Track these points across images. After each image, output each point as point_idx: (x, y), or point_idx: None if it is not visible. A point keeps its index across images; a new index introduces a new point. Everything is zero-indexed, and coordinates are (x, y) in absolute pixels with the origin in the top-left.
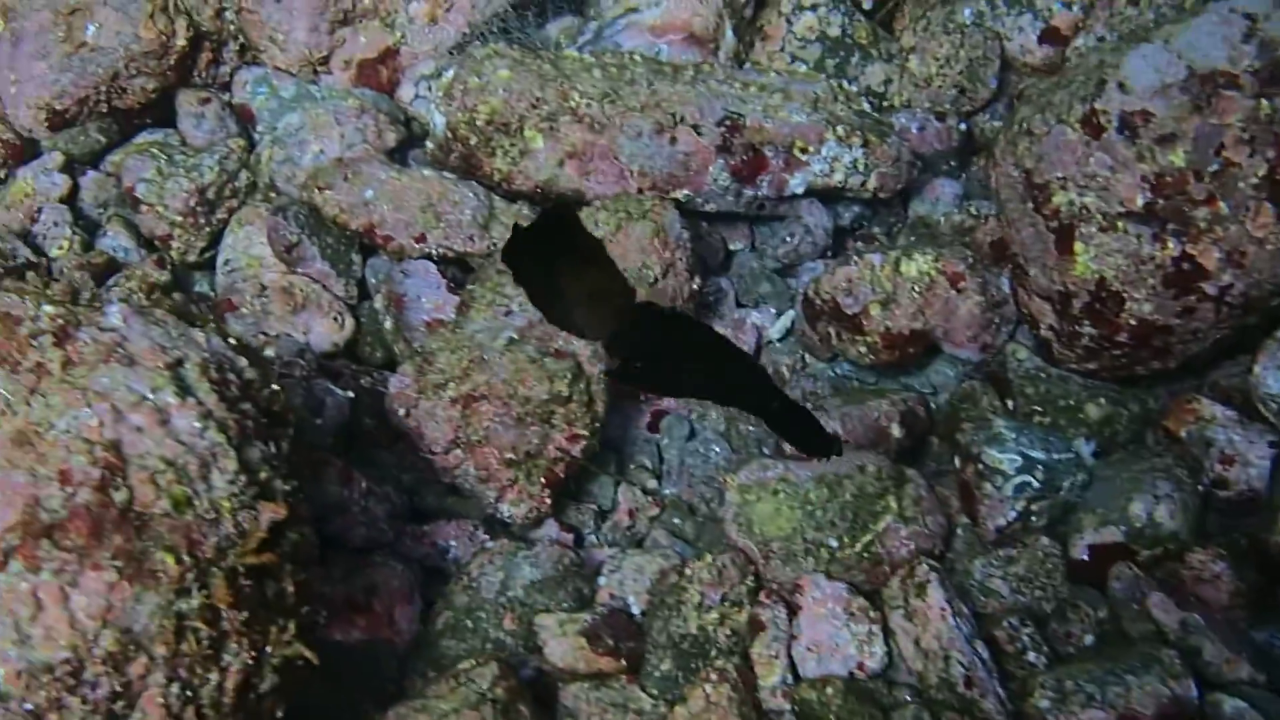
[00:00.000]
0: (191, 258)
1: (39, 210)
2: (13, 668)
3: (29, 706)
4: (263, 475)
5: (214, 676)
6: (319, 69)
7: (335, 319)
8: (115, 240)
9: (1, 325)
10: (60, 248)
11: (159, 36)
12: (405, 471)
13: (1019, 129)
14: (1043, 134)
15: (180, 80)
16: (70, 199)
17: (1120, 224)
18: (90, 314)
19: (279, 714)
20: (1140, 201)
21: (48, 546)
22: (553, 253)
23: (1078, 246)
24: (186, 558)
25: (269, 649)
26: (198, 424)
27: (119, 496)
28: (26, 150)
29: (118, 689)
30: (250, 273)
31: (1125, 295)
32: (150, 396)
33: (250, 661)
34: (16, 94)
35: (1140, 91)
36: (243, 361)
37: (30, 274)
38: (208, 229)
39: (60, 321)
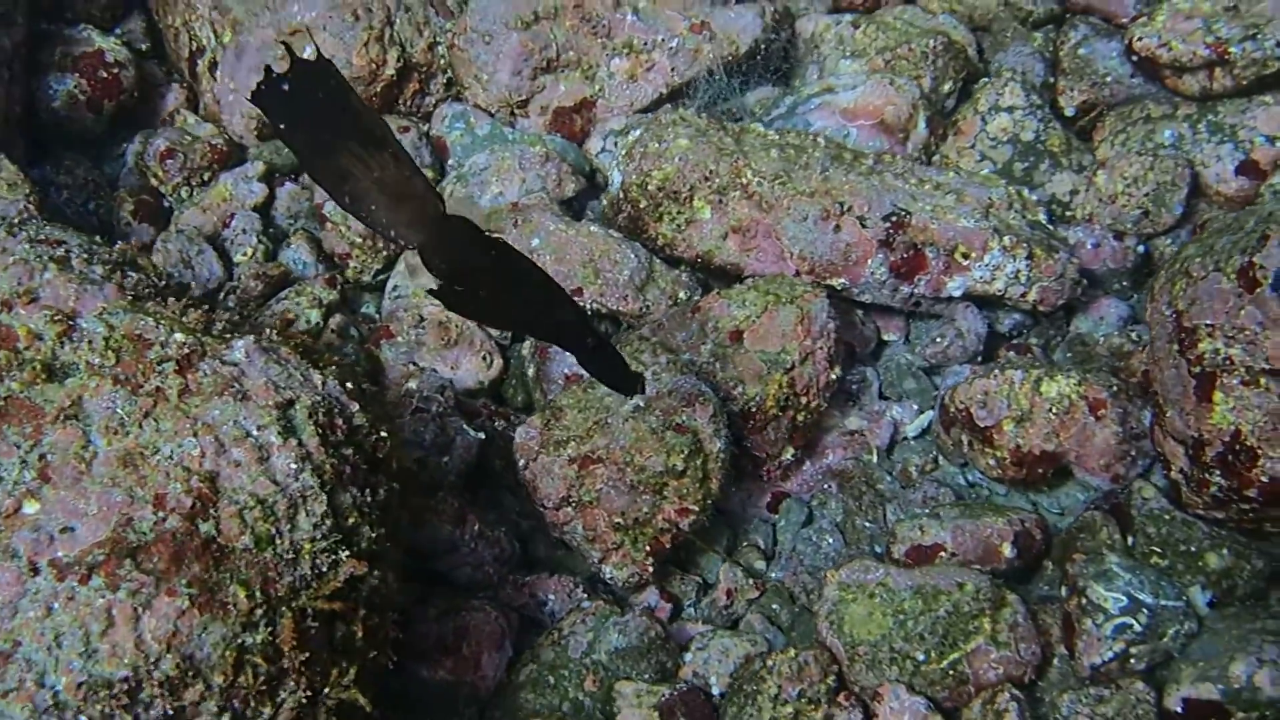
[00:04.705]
0: (366, 279)
1: (231, 215)
2: (74, 679)
3: (84, 719)
4: (350, 521)
5: (266, 711)
6: (517, 112)
7: (484, 358)
8: (297, 254)
9: (132, 347)
10: (245, 254)
11: (370, 64)
12: (525, 518)
13: (1179, 268)
14: (1200, 278)
15: (385, 107)
16: (265, 208)
17: (1263, 380)
18: (217, 346)
19: None
20: None
21: (129, 566)
22: (328, 121)
23: (1217, 396)
24: (259, 594)
25: (326, 690)
26: (294, 465)
27: (205, 527)
28: (234, 156)
29: (170, 712)
30: (414, 301)
31: (1259, 451)
32: (255, 433)
33: (304, 701)
34: (234, 102)
35: None
36: (354, 407)
37: (171, 299)
38: (384, 253)
39: (186, 350)
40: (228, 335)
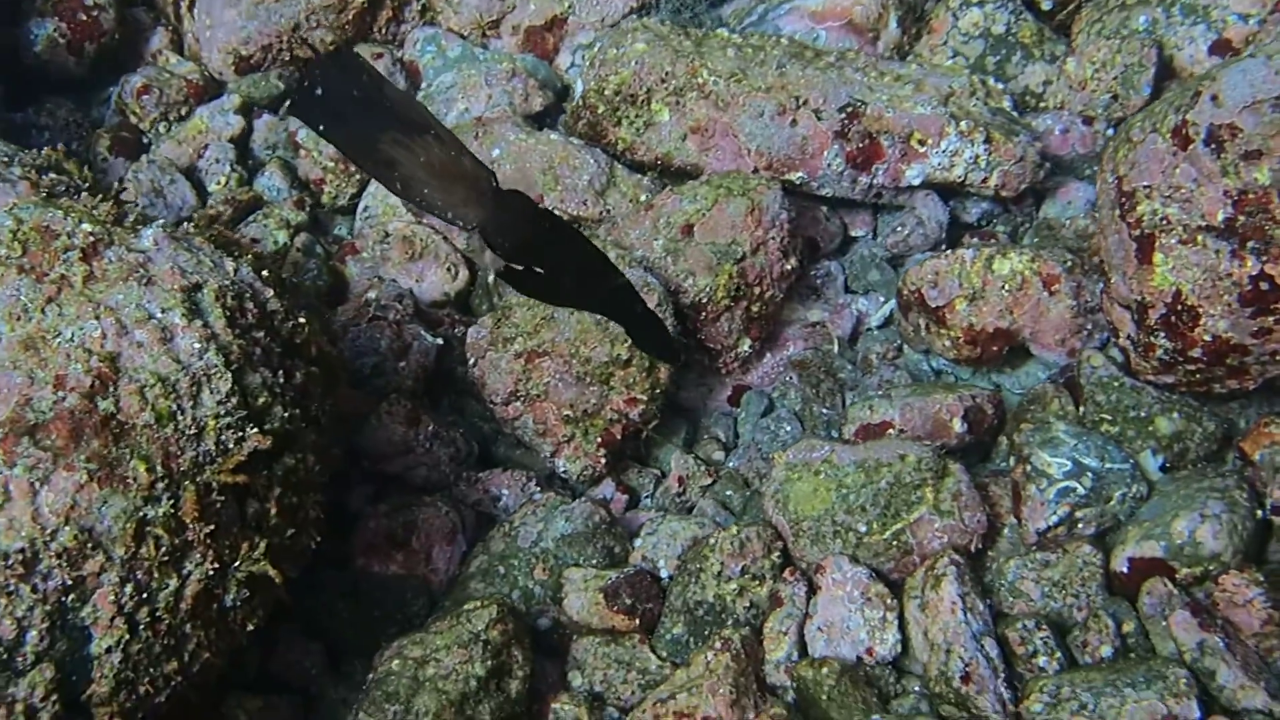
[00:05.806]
0: (342, 202)
1: (206, 146)
2: None
3: None
4: (261, 400)
5: (172, 582)
6: (489, 33)
7: (450, 270)
8: (271, 180)
9: (38, 237)
10: (218, 183)
11: None
12: (488, 422)
13: (1123, 135)
14: (1139, 141)
15: (358, 36)
16: (243, 139)
17: (1200, 238)
18: (125, 235)
19: (249, 627)
20: (1221, 216)
21: (27, 444)
22: (365, 113)
23: (1157, 257)
24: (159, 468)
25: (236, 564)
26: (198, 345)
27: (104, 404)
28: (210, 90)
29: (69, 582)
30: (383, 220)
31: (1201, 310)
32: (158, 315)
33: (211, 572)
34: (210, 38)
35: (1231, 105)
36: (268, 293)
37: (85, 194)
38: (357, 177)
39: (93, 239)
40: (138, 226)
